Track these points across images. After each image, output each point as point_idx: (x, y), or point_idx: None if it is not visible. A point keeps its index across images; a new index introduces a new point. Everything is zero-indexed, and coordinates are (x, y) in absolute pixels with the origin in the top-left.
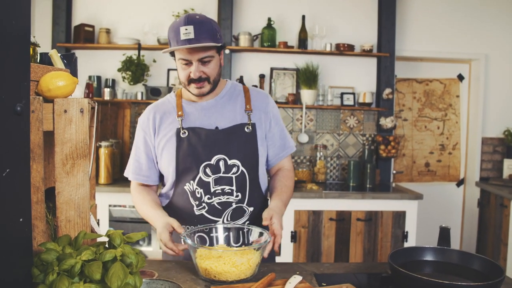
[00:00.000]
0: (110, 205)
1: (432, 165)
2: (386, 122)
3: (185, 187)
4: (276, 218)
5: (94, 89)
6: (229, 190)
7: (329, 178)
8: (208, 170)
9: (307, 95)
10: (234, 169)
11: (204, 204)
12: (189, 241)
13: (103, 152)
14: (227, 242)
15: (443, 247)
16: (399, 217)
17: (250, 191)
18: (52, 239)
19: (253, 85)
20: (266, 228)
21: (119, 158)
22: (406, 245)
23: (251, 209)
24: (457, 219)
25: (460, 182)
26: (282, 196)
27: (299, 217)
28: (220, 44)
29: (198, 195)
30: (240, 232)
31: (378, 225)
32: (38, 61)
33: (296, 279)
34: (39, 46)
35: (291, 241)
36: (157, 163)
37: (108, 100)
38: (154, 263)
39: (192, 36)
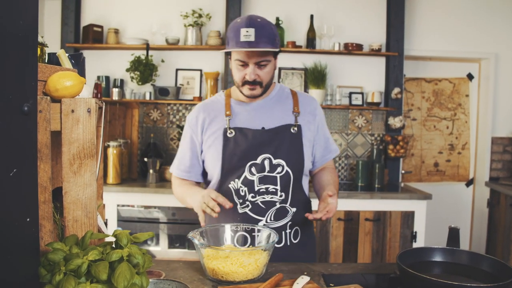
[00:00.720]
0: (118, 205)
1: (441, 165)
2: (395, 122)
3: (229, 185)
4: (335, 199)
5: (102, 89)
6: (273, 190)
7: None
8: (253, 169)
9: (315, 95)
10: (279, 169)
11: (248, 203)
12: (196, 241)
13: (111, 152)
14: (243, 243)
15: (452, 248)
16: (408, 217)
17: (293, 191)
18: (60, 239)
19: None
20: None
21: (128, 158)
22: (414, 245)
23: (294, 209)
24: (466, 219)
25: (469, 182)
26: (334, 190)
27: None
28: (278, 50)
29: (242, 193)
30: (250, 233)
31: (387, 225)
32: (46, 61)
33: (303, 279)
34: (47, 46)
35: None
36: (202, 161)
37: (117, 100)
38: (162, 263)
39: (252, 39)
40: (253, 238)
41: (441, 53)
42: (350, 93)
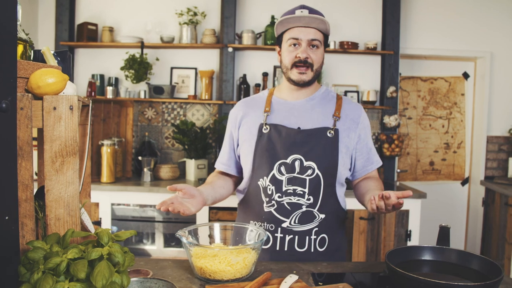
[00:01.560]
0: (112, 204)
1: (436, 164)
2: (390, 121)
3: (258, 182)
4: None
5: (97, 87)
6: (301, 192)
7: None
8: (282, 169)
9: None
10: (309, 171)
11: (273, 202)
12: (184, 240)
13: (105, 150)
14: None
15: (442, 247)
16: (402, 216)
17: (324, 197)
18: (43, 238)
19: (256, 84)
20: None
21: (122, 157)
22: (409, 244)
23: (322, 216)
24: (461, 218)
25: (465, 181)
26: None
27: None
28: (328, 35)
29: (269, 192)
30: (239, 232)
31: (381, 224)
32: (31, 58)
33: (292, 278)
34: (32, 43)
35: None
36: (238, 156)
37: (111, 98)
38: (151, 261)
39: (307, 14)
40: (240, 236)
41: (437, 52)
42: (346, 92)
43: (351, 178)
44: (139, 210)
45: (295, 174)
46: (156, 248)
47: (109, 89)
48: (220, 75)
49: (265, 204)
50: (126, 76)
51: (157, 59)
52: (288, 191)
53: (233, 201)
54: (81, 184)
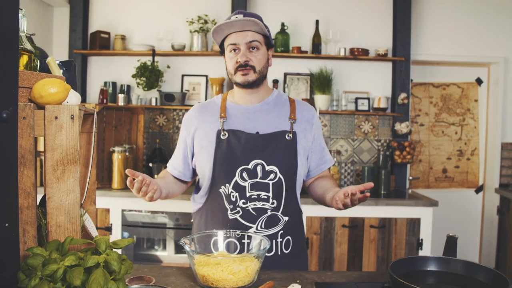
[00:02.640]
0: (123, 210)
1: (449, 171)
2: (401, 128)
3: (220, 190)
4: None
5: (109, 94)
6: (265, 196)
7: (343, 184)
8: (244, 174)
9: (320, 100)
10: (272, 175)
11: (238, 209)
12: (187, 248)
13: (116, 157)
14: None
15: (447, 257)
16: (414, 224)
17: (286, 199)
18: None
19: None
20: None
21: (133, 163)
22: (420, 253)
23: (286, 218)
24: (476, 226)
25: (479, 189)
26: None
27: (311, 224)
28: (267, 35)
29: (233, 199)
30: (240, 240)
31: (392, 232)
32: (38, 68)
33: (294, 287)
34: (38, 54)
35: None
36: (194, 164)
37: (122, 106)
38: (155, 268)
39: (241, 18)
40: (242, 245)
41: (449, 58)
42: (356, 99)
43: (305, 179)
44: (150, 216)
45: (257, 179)
46: (167, 254)
47: (120, 97)
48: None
49: (229, 212)
50: (138, 84)
51: (168, 67)
52: (252, 196)
53: None
54: (86, 191)
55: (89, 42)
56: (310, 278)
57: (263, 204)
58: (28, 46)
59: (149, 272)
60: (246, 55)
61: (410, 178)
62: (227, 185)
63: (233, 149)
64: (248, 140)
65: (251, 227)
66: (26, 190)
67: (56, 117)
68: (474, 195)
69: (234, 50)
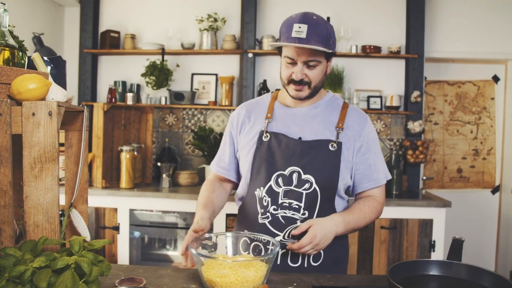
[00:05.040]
0: (131, 209)
1: (465, 171)
2: (414, 126)
3: (255, 192)
4: (314, 231)
5: (118, 94)
6: (297, 206)
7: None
8: (280, 180)
9: None
10: (307, 185)
11: (268, 214)
12: (193, 251)
13: (124, 156)
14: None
15: (450, 261)
16: (426, 225)
17: (320, 211)
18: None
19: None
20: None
21: (141, 163)
22: (433, 255)
23: None
24: (492, 228)
25: (495, 189)
26: (348, 216)
27: None
28: (330, 51)
29: (265, 204)
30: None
31: (403, 234)
32: (25, 65)
33: None
34: (25, 51)
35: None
36: (238, 160)
37: (131, 105)
38: (150, 270)
39: (303, 36)
40: (267, 250)
41: (464, 55)
42: (368, 97)
43: (351, 192)
44: (158, 215)
45: (292, 187)
46: (178, 254)
47: (129, 95)
48: (240, 81)
49: (259, 216)
50: (147, 83)
51: (178, 66)
52: (284, 204)
53: None
54: (76, 190)
55: (99, 42)
56: (308, 281)
57: (293, 214)
58: (11, 41)
59: (143, 273)
60: (303, 71)
61: (424, 178)
62: (261, 188)
63: (273, 153)
64: (288, 145)
65: (279, 235)
66: (3, 188)
67: (33, 114)
68: (490, 196)
69: (291, 63)
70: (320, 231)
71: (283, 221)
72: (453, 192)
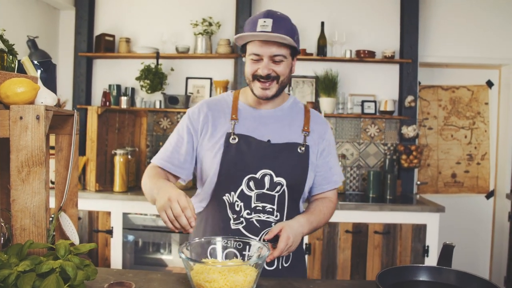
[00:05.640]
0: (124, 213)
1: (459, 176)
2: (408, 131)
3: (224, 198)
4: (287, 233)
5: (113, 97)
6: (270, 209)
7: (348, 189)
8: (251, 184)
9: (326, 103)
10: (278, 187)
11: (242, 219)
12: (183, 255)
13: (118, 160)
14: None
15: (439, 267)
16: (419, 230)
17: (288, 213)
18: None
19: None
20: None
21: (135, 166)
22: (427, 260)
23: None
24: (486, 233)
25: (489, 194)
26: (310, 217)
27: None
28: (295, 45)
29: (237, 209)
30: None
31: (397, 239)
32: (15, 69)
33: None
34: (15, 54)
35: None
36: (195, 162)
37: (125, 108)
38: (140, 274)
39: (269, 29)
40: (243, 256)
41: (458, 60)
42: (363, 102)
43: (308, 195)
44: (153, 219)
45: (264, 190)
46: (172, 258)
47: (123, 99)
48: (234, 85)
49: (232, 221)
50: (142, 86)
51: (172, 69)
52: (257, 208)
53: None
54: (65, 193)
55: (94, 45)
56: (298, 286)
57: (267, 217)
58: (0, 45)
59: (133, 277)
60: (268, 66)
61: (418, 183)
62: (232, 193)
63: (242, 156)
64: (258, 148)
65: (254, 239)
66: None
67: (21, 117)
68: (484, 201)
69: (256, 60)
70: (291, 232)
71: (258, 225)
72: (447, 197)
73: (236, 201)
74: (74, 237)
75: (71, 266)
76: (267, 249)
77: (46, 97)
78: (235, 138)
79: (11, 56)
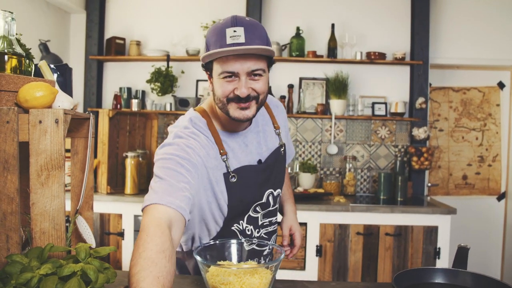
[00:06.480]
0: (135, 215)
1: (470, 178)
2: (419, 133)
3: (233, 228)
4: (296, 228)
5: (123, 100)
6: (275, 221)
7: (359, 191)
8: (258, 207)
9: (336, 105)
10: (278, 198)
11: (254, 239)
12: (198, 258)
13: (129, 162)
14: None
15: (456, 269)
16: (431, 232)
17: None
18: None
19: (281, 96)
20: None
21: (146, 169)
22: (438, 262)
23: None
24: (498, 235)
25: (501, 196)
26: (292, 199)
27: (325, 231)
28: (272, 56)
29: (248, 232)
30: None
31: (408, 241)
32: (32, 72)
33: None
34: (32, 58)
35: (316, 255)
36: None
37: (136, 111)
38: None
39: (242, 40)
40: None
41: (469, 61)
42: (373, 103)
43: None
44: None
45: (270, 208)
46: None
47: (134, 102)
48: None
49: (245, 244)
50: (152, 89)
51: (183, 72)
52: (265, 223)
53: None
54: (82, 196)
55: (105, 48)
56: None
57: (274, 227)
58: (18, 49)
59: None
60: (248, 85)
61: (429, 184)
62: (241, 222)
63: (245, 190)
64: (256, 175)
65: (265, 250)
66: (10, 195)
67: (40, 121)
68: (496, 203)
69: (230, 76)
70: (297, 226)
71: (266, 236)
72: (458, 199)
73: (246, 226)
74: (91, 240)
75: (93, 270)
76: (282, 252)
77: (63, 101)
78: (233, 176)
79: (27, 60)
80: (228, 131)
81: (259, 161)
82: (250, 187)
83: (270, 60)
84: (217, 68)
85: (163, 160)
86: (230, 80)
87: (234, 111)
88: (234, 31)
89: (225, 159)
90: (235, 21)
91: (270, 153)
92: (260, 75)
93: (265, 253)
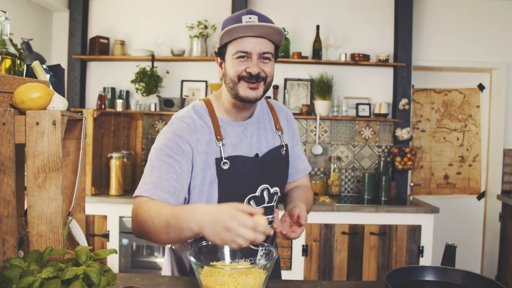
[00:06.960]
0: (121, 217)
1: (451, 178)
2: (402, 134)
3: None
4: (302, 211)
5: (107, 100)
6: (272, 219)
7: (343, 191)
8: (252, 202)
9: (321, 106)
10: (275, 197)
11: None
12: (192, 258)
13: (114, 163)
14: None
15: (445, 267)
16: (415, 231)
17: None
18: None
19: (267, 96)
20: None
21: (131, 170)
22: (421, 260)
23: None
24: (478, 233)
25: (480, 195)
26: (306, 204)
27: (311, 230)
28: (278, 46)
29: None
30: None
31: (393, 240)
32: (24, 73)
33: None
34: (24, 58)
35: (302, 255)
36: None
37: (121, 111)
38: (147, 278)
39: (257, 23)
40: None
41: (450, 63)
42: (357, 104)
43: None
44: None
45: (265, 204)
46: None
47: (119, 102)
48: None
49: None
50: (137, 89)
51: (167, 72)
52: None
53: None
54: (74, 198)
55: (88, 47)
56: None
57: (270, 227)
58: (11, 49)
59: (140, 281)
60: (258, 65)
61: (411, 184)
62: None
63: (238, 179)
64: (251, 167)
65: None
66: (6, 198)
67: (37, 123)
68: (476, 202)
69: (242, 57)
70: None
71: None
72: (440, 198)
73: None
74: (84, 243)
75: (95, 272)
76: (275, 252)
77: (57, 102)
78: (226, 163)
79: (19, 61)
80: (229, 119)
81: (256, 154)
82: (243, 177)
83: (276, 50)
84: (231, 49)
85: (155, 150)
86: (243, 60)
87: (244, 90)
88: (250, 17)
89: (220, 145)
90: (250, 11)
91: (269, 149)
92: (269, 59)
93: (259, 252)
